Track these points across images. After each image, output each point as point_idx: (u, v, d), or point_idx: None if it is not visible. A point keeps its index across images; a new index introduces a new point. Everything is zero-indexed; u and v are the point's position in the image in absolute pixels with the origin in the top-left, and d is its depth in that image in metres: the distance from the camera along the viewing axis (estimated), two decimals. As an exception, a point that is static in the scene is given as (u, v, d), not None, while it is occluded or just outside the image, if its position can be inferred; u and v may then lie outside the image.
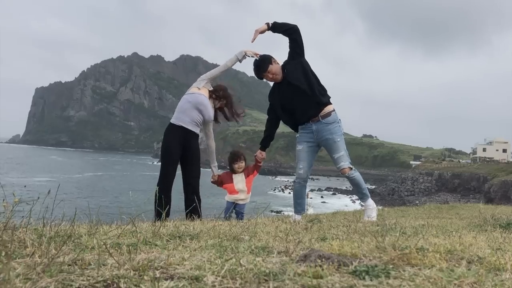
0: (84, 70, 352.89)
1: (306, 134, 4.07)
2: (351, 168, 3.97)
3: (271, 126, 4.36)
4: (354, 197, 52.80)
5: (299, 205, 4.22)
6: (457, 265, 1.34)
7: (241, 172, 4.78)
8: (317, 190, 58.10)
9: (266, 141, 4.42)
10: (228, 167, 4.85)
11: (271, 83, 4.16)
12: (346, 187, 70.13)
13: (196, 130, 4.35)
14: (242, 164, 4.77)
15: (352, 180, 4.02)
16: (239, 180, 4.74)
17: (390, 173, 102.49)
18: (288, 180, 76.21)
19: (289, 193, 54.93)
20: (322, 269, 1.18)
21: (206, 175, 4.68)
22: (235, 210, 4.67)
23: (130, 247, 1.54)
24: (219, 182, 4.81)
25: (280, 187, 62.86)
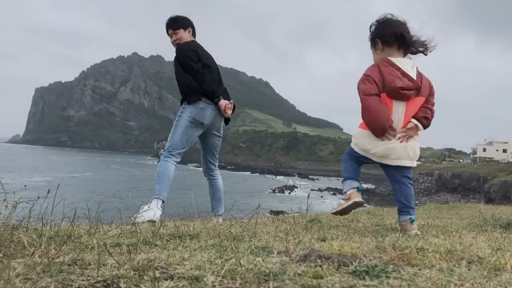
0: (84, 70, 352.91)
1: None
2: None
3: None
4: (354, 197, 52.45)
5: None
6: (457, 265, 1.34)
7: None
8: (317, 190, 57.97)
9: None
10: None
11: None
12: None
13: None
14: None
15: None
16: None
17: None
18: (288, 181, 76.14)
19: (289, 193, 54.97)
20: (322, 269, 1.18)
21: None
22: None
23: (130, 247, 1.54)
24: None
25: (280, 187, 62.80)
